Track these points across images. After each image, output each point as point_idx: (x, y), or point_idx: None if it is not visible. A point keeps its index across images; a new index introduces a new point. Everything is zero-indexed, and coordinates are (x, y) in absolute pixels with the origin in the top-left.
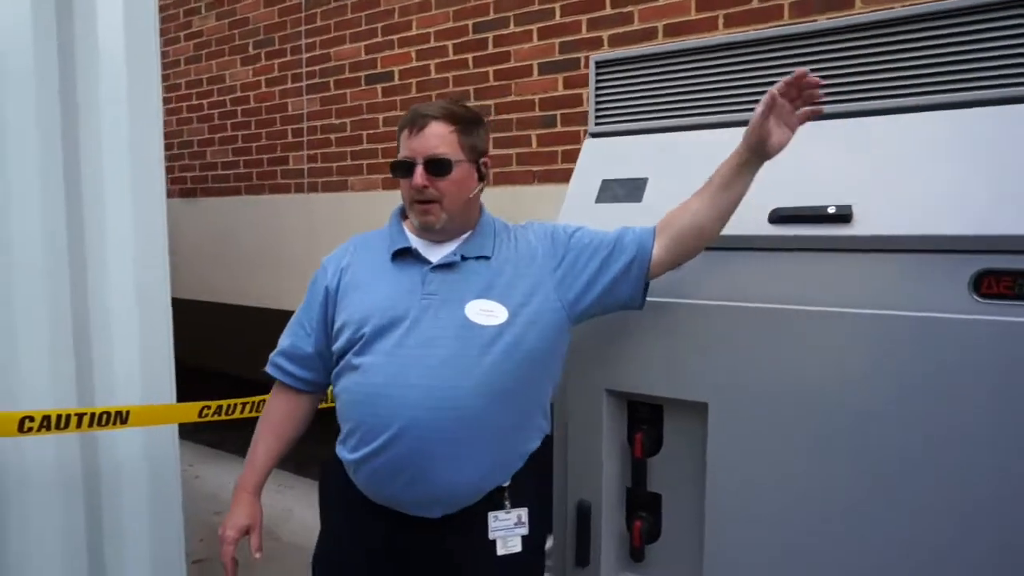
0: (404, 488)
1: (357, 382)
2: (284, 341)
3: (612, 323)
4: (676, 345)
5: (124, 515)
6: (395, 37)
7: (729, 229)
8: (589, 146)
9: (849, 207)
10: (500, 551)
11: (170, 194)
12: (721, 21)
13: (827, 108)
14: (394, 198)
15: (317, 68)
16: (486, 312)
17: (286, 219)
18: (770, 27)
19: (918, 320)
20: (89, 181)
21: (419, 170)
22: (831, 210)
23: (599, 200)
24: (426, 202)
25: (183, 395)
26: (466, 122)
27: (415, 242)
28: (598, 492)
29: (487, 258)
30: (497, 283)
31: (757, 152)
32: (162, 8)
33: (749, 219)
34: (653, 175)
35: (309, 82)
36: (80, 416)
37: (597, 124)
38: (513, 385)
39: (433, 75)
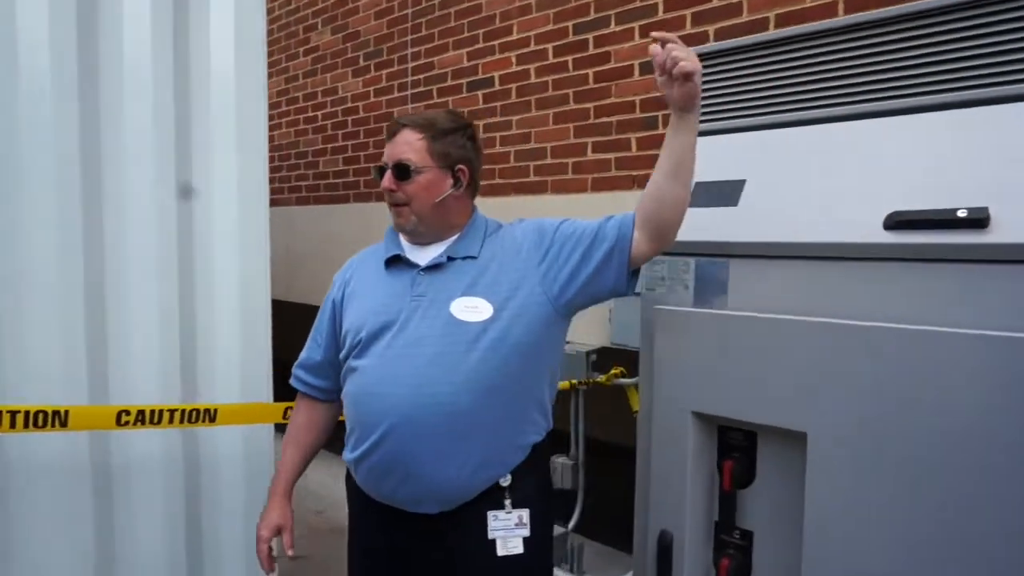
0: (397, 485)
1: (354, 383)
2: (302, 355)
3: (701, 338)
4: (772, 366)
5: (222, 512)
6: (496, 43)
7: (837, 236)
8: None
9: (984, 209)
10: (500, 551)
11: (287, 202)
12: (841, 7)
13: (951, 95)
14: (492, 204)
15: (422, 77)
16: (471, 308)
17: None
18: (885, 9)
19: None
20: (200, 181)
21: (387, 174)
22: (962, 213)
23: (692, 205)
24: (397, 205)
25: (282, 394)
26: (438, 130)
27: (407, 248)
28: (682, 523)
29: (474, 257)
30: (482, 280)
31: (674, 107)
32: (282, 25)
33: (860, 224)
34: (751, 176)
35: (414, 91)
36: (172, 412)
37: None
38: (501, 380)
39: (533, 79)
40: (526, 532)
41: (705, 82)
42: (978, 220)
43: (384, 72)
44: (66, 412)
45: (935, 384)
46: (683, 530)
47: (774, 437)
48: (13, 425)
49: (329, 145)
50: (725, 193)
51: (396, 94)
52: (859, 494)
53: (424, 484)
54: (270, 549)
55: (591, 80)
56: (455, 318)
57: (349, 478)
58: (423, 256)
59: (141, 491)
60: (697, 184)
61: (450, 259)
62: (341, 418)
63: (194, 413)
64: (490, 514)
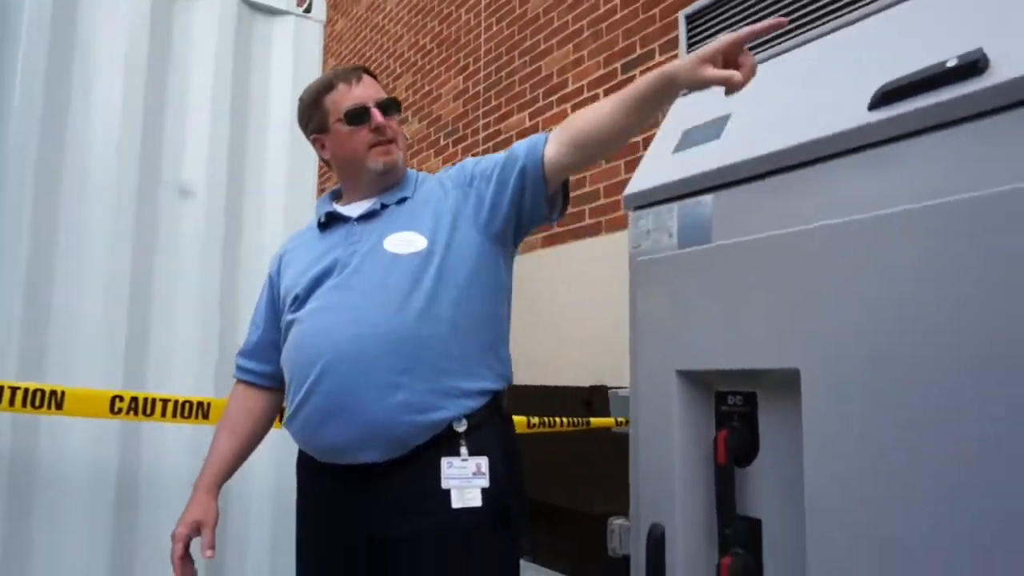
0: (338, 429)
1: (293, 334)
2: (242, 345)
3: (683, 284)
4: (762, 296)
5: (250, 522)
6: (554, 98)
7: (820, 131)
8: (676, 106)
9: (979, 50)
10: (456, 503)
11: None
12: None
13: None
14: (551, 253)
15: (491, 144)
16: (404, 241)
17: None
18: None
19: None
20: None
21: (376, 113)
22: (951, 63)
23: (676, 150)
24: (388, 141)
25: None
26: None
27: (340, 209)
28: (672, 513)
29: (407, 198)
30: (414, 219)
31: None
32: None
33: (844, 113)
34: (736, 110)
35: None
36: (165, 403)
37: None
38: (444, 311)
39: None
40: (485, 482)
41: (706, 39)
42: (973, 64)
43: (460, 147)
44: (63, 393)
45: (945, 263)
46: (675, 521)
47: (777, 395)
48: (12, 403)
49: None
50: (710, 130)
51: None
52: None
53: (367, 421)
54: (186, 550)
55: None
56: (390, 252)
57: (298, 462)
58: (356, 209)
59: (167, 497)
60: (685, 132)
61: (383, 206)
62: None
63: (187, 406)
64: (444, 460)
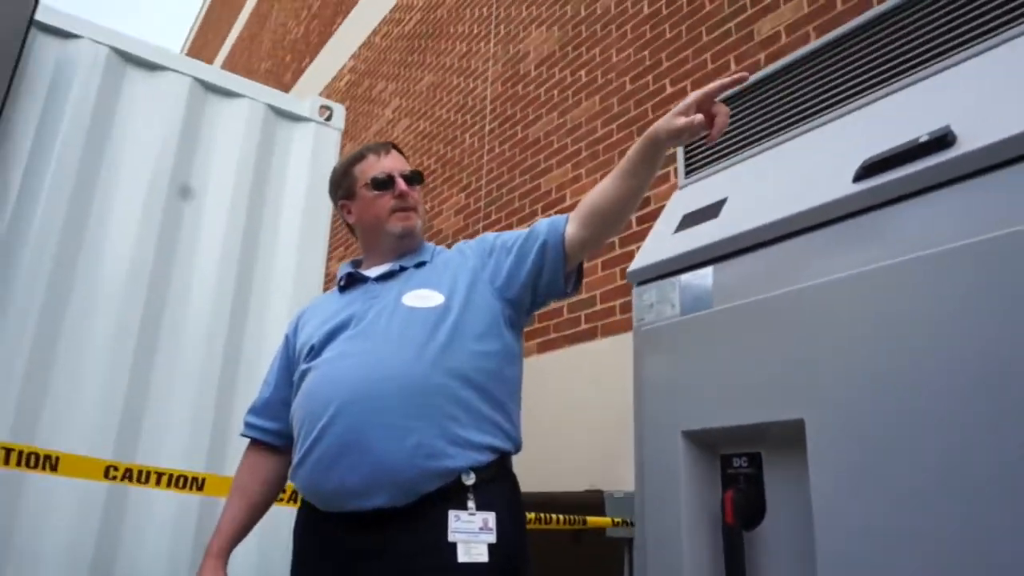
0: (346, 472)
1: (307, 381)
2: (252, 403)
3: (686, 347)
4: (764, 351)
5: None
6: (553, 212)
7: (810, 202)
8: (676, 196)
9: (947, 127)
10: (462, 557)
11: None
12: None
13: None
14: (547, 359)
15: None
16: (422, 297)
17: None
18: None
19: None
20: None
21: (400, 181)
22: (923, 139)
23: (677, 231)
24: (409, 209)
25: None
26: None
27: (360, 270)
28: None
29: (426, 262)
30: (433, 278)
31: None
32: None
33: (832, 185)
34: (732, 194)
35: None
36: (160, 475)
37: (687, 177)
38: (457, 364)
39: None
40: (492, 538)
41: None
42: (942, 139)
43: None
44: (57, 458)
45: (933, 307)
46: None
47: (782, 453)
48: (7, 462)
49: None
50: (707, 212)
51: None
52: (868, 474)
53: (378, 462)
54: None
55: (634, 224)
56: (407, 306)
57: (296, 527)
58: (376, 271)
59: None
60: (684, 216)
61: (402, 268)
62: None
63: (182, 479)
64: (451, 513)
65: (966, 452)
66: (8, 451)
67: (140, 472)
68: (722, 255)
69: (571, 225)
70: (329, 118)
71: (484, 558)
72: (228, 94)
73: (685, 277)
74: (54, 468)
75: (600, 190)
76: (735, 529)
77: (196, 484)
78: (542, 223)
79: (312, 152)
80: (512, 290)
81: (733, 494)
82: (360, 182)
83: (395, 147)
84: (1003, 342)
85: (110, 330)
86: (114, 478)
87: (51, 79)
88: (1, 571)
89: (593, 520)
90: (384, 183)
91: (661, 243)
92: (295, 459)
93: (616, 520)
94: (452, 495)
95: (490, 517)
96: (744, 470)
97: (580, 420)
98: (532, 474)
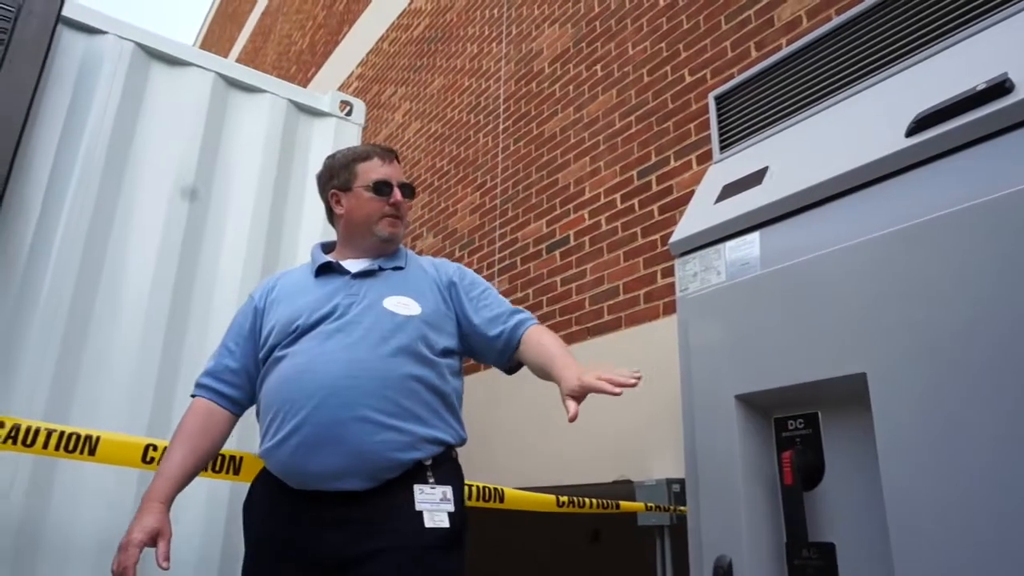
0: (327, 458)
1: (284, 367)
2: (209, 364)
3: (735, 313)
4: (815, 312)
5: None
6: (571, 205)
7: (861, 159)
8: (712, 169)
9: (1004, 74)
10: (428, 523)
11: None
12: None
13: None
14: (580, 352)
15: (507, 252)
16: (402, 304)
17: (473, 393)
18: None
19: None
20: None
21: (397, 191)
22: (980, 87)
23: (718, 201)
24: (398, 217)
25: None
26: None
27: (340, 261)
28: (739, 543)
29: (401, 268)
30: (409, 286)
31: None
32: None
33: (882, 142)
34: (773, 163)
35: (500, 266)
36: None
37: (721, 152)
38: (428, 371)
39: (603, 228)
40: (451, 507)
41: (735, 115)
42: (1000, 86)
43: (475, 256)
44: (97, 438)
45: (994, 255)
46: (741, 551)
47: (840, 411)
48: (46, 446)
49: None
50: (749, 180)
51: (485, 272)
52: (936, 425)
53: (355, 452)
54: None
55: (656, 214)
56: (389, 311)
57: (250, 497)
58: (354, 266)
59: None
60: (724, 186)
61: (380, 269)
62: None
63: (219, 459)
64: (416, 487)
65: None
66: (49, 432)
67: None
68: (769, 219)
69: (519, 349)
70: (349, 113)
71: (446, 524)
72: (250, 89)
73: (731, 244)
74: (92, 452)
75: (535, 358)
76: (795, 489)
77: (233, 467)
78: (510, 317)
79: (333, 147)
80: (464, 339)
81: (792, 454)
82: (359, 181)
83: (396, 157)
84: None
85: (139, 322)
86: (152, 460)
87: (78, 74)
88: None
89: (626, 505)
90: (383, 189)
91: (702, 213)
92: (269, 441)
93: (649, 505)
94: (414, 474)
95: (448, 490)
96: (800, 432)
97: (607, 412)
98: (560, 467)
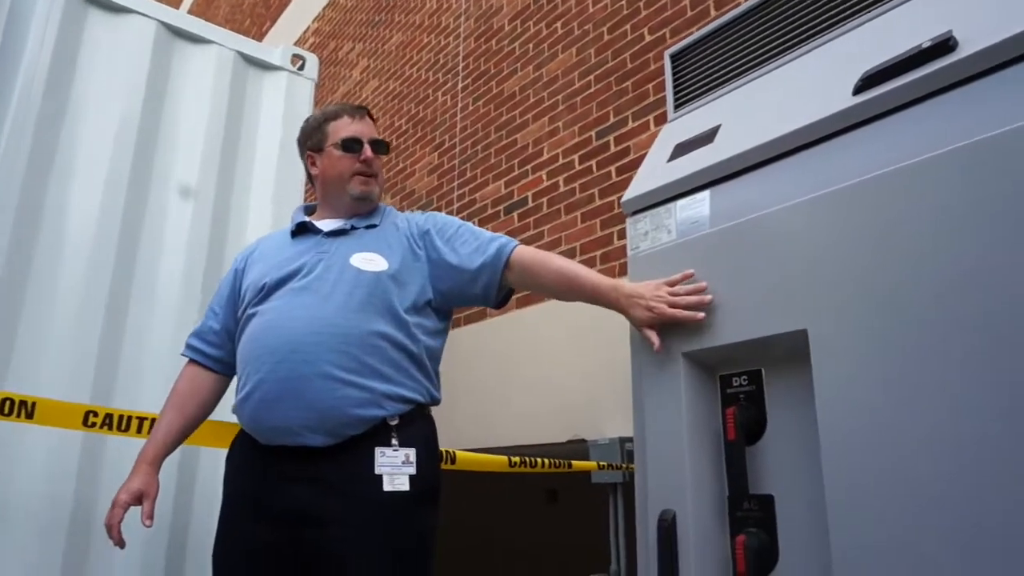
0: (287, 411)
1: (254, 324)
2: (196, 327)
3: (677, 272)
4: (761, 268)
5: None
6: (529, 167)
7: (809, 118)
8: (665, 128)
9: (948, 32)
10: (387, 487)
11: None
12: None
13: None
14: (528, 313)
15: (465, 213)
16: (368, 260)
17: None
18: None
19: None
20: None
21: (367, 148)
22: (925, 45)
23: (670, 159)
24: (370, 175)
25: None
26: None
27: (314, 221)
28: (683, 496)
29: (375, 226)
30: (379, 243)
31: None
32: None
33: (830, 100)
34: (726, 121)
35: None
36: (142, 420)
37: (676, 111)
38: (393, 326)
39: (561, 189)
40: (412, 470)
41: (691, 73)
42: (944, 43)
43: None
44: (33, 404)
45: (943, 213)
46: (685, 504)
47: (783, 368)
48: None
49: None
50: (701, 139)
51: None
52: (873, 378)
53: (314, 408)
54: (122, 516)
55: (614, 175)
56: (355, 267)
57: (228, 462)
58: (328, 226)
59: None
60: (677, 145)
61: (353, 228)
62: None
63: None
64: (377, 450)
65: (970, 355)
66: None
67: (120, 418)
68: (719, 178)
69: (510, 272)
70: (302, 68)
71: (406, 487)
72: (196, 40)
73: (681, 203)
74: (30, 415)
75: (550, 272)
76: (737, 444)
77: None
78: (489, 244)
79: (285, 102)
80: (443, 284)
81: (735, 411)
82: (330, 140)
83: (369, 114)
84: (1006, 240)
85: (79, 277)
86: (93, 425)
87: (7, 19)
88: None
89: (578, 464)
90: (352, 146)
91: (654, 172)
92: (239, 396)
93: (602, 464)
94: (378, 434)
95: (411, 452)
96: (744, 388)
97: (560, 372)
98: (516, 427)
